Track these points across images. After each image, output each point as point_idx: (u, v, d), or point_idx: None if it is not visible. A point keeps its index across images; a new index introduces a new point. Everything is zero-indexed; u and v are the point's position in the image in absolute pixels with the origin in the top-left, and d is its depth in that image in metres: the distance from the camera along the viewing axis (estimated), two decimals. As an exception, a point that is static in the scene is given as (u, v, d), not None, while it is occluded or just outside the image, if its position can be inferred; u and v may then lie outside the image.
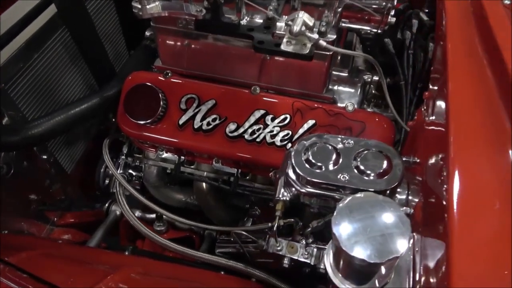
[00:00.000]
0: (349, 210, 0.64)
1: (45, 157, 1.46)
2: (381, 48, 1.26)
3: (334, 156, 0.85)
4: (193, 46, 1.20)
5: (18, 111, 1.31)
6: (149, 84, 1.17)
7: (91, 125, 1.65)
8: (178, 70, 1.27)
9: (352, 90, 1.26)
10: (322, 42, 0.95)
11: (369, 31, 1.11)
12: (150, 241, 1.30)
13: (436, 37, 0.99)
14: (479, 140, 0.61)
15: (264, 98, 1.16)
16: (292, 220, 0.95)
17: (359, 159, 0.84)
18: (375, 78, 1.27)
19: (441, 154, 0.66)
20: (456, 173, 0.57)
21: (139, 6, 1.03)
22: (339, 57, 1.27)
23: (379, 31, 1.06)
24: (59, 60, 1.45)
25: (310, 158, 0.86)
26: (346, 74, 1.28)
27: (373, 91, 1.32)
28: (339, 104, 1.22)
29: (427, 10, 1.33)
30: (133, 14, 1.06)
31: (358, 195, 0.67)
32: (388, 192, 0.81)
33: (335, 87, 1.26)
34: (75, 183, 1.63)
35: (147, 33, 1.47)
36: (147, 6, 1.04)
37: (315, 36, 0.94)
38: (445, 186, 0.58)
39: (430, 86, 0.84)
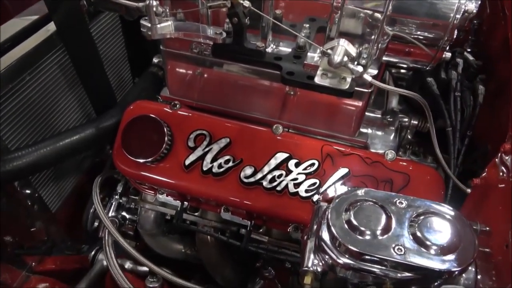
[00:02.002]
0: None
1: (28, 192, 1.27)
2: (421, 88, 1.11)
3: (384, 220, 0.66)
4: (207, 75, 1.04)
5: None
6: (153, 116, 1.00)
7: (84, 157, 1.46)
8: (188, 101, 1.11)
9: (387, 135, 1.10)
10: (367, 77, 0.79)
11: (412, 67, 0.96)
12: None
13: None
14: None
15: (288, 139, 0.99)
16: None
17: (417, 226, 0.65)
18: (413, 121, 1.10)
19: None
20: None
21: (149, 25, 0.87)
22: (372, 96, 1.11)
23: (428, 68, 0.90)
24: (53, 83, 1.29)
25: (353, 219, 0.67)
26: (380, 116, 1.12)
27: (409, 137, 1.14)
28: (371, 150, 1.04)
29: (469, 50, 1.19)
30: (141, 38, 0.90)
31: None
32: (456, 272, 0.62)
33: (367, 131, 1.09)
34: (60, 223, 1.43)
35: (155, 60, 1.32)
36: (158, 26, 0.88)
37: (359, 68, 0.77)
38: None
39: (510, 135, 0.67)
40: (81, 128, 1.14)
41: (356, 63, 0.86)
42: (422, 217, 0.67)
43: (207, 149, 1.00)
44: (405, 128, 1.12)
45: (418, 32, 0.84)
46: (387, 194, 0.70)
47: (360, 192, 0.71)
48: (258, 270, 1.15)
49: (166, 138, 0.98)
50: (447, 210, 0.67)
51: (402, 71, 1.28)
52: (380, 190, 0.72)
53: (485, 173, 0.72)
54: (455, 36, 0.82)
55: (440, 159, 0.92)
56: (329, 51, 0.78)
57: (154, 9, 0.85)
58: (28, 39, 1.22)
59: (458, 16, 0.79)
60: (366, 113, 1.11)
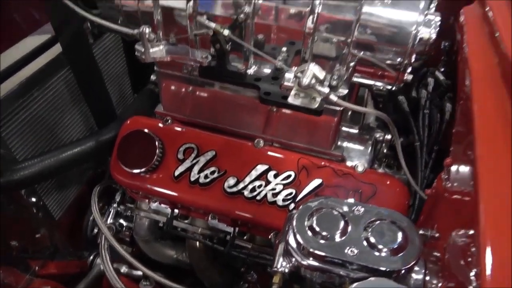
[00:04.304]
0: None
1: (34, 200, 1.37)
2: (394, 105, 1.19)
3: (342, 225, 0.75)
4: (196, 93, 1.14)
5: (9, 150, 1.25)
6: (146, 130, 1.10)
7: (86, 168, 1.57)
8: (180, 117, 1.21)
9: (362, 148, 1.18)
10: (333, 97, 0.88)
11: (382, 88, 1.05)
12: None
13: (457, 97, 0.91)
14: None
15: (268, 153, 1.08)
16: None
17: (370, 231, 0.73)
18: (387, 136, 1.19)
19: (468, 229, 0.56)
20: (489, 252, 0.47)
21: (142, 50, 0.98)
22: (349, 113, 1.20)
23: (393, 88, 0.99)
24: (59, 99, 1.41)
25: (315, 225, 0.75)
26: (357, 131, 1.21)
27: (385, 151, 1.23)
28: (348, 163, 1.13)
29: (443, 69, 1.28)
30: (139, 57, 1.01)
31: (370, 280, 0.56)
32: (403, 271, 0.70)
33: (345, 144, 1.17)
34: (63, 229, 1.53)
35: (153, 77, 1.43)
36: (151, 50, 0.99)
37: (326, 90, 0.87)
38: (474, 270, 0.48)
39: (452, 150, 0.75)
40: (83, 141, 1.25)
41: (328, 83, 0.96)
42: (375, 223, 0.75)
43: (194, 161, 1.09)
44: (380, 143, 1.20)
45: (382, 56, 0.93)
46: (347, 203, 0.79)
47: (323, 201, 0.79)
48: (242, 274, 1.23)
49: (157, 151, 1.08)
50: (398, 217, 0.75)
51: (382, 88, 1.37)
52: (342, 199, 0.81)
53: (435, 184, 0.80)
54: (413, 60, 0.91)
55: (405, 171, 1.00)
56: (299, 74, 0.87)
57: (147, 36, 0.96)
58: (38, 58, 1.35)
59: (415, 42, 0.88)
60: (344, 128, 1.21)
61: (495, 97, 0.66)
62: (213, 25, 0.89)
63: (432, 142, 1.12)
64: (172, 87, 1.17)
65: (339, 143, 1.17)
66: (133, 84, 1.74)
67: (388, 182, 1.01)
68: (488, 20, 0.81)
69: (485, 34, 0.80)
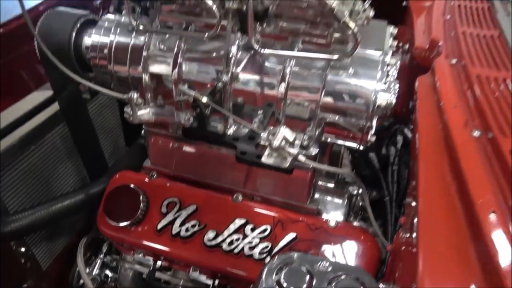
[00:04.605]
0: None
1: (22, 250, 1.41)
2: (366, 161, 1.27)
3: (307, 280, 0.80)
4: (181, 150, 1.23)
5: (1, 202, 1.31)
6: (131, 185, 1.17)
7: (77, 219, 1.62)
8: (166, 171, 1.28)
9: (338, 202, 1.25)
10: (301, 157, 0.96)
11: (348, 147, 1.13)
12: None
13: (411, 156, 1.00)
14: (447, 272, 0.58)
15: (246, 207, 1.14)
16: None
17: (333, 286, 0.78)
18: (361, 191, 1.26)
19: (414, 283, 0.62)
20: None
21: (130, 112, 1.08)
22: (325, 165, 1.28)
23: (360, 147, 1.08)
24: (55, 152, 1.50)
25: (281, 280, 0.80)
26: (333, 185, 1.28)
27: (360, 204, 1.29)
28: (324, 215, 1.19)
29: (412, 127, 1.37)
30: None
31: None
32: (363, 325, 0.74)
33: (321, 198, 1.24)
34: (50, 280, 1.55)
35: (143, 132, 1.52)
36: (138, 113, 1.08)
37: (294, 151, 0.95)
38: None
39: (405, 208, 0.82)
40: (73, 194, 1.31)
41: (299, 143, 1.05)
42: (339, 278, 0.80)
43: (177, 214, 1.15)
44: (355, 196, 1.27)
45: (347, 119, 1.02)
46: (314, 258, 0.84)
47: (292, 255, 0.85)
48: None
49: (141, 205, 1.15)
50: (361, 273, 0.80)
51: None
52: (310, 255, 0.86)
53: (394, 239, 0.86)
54: (374, 124, 1.00)
55: (374, 224, 1.06)
56: (270, 137, 0.96)
57: (135, 101, 1.05)
58: (38, 115, 1.45)
59: (375, 108, 0.97)
60: (320, 183, 1.28)
61: (437, 162, 0.74)
62: (193, 93, 0.99)
63: (401, 197, 1.19)
64: (159, 144, 1.25)
65: (315, 196, 1.23)
66: (126, 137, 1.84)
67: (359, 236, 1.07)
68: (436, 89, 0.91)
69: (434, 102, 0.89)
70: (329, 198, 1.25)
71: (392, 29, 1.13)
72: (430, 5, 1.49)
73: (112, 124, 1.77)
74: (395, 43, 1.09)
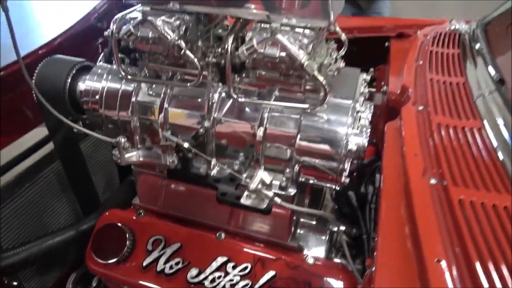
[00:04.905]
0: None
1: (14, 284, 1.45)
2: (346, 199, 1.32)
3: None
4: (167, 188, 1.28)
5: (-5, 239, 1.36)
6: (118, 224, 1.22)
7: (68, 253, 1.66)
8: (153, 208, 1.33)
9: (320, 238, 1.29)
10: (277, 199, 1.02)
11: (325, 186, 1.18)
12: None
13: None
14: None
15: (228, 245, 1.18)
16: None
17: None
18: (341, 228, 1.30)
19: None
20: None
21: (118, 155, 1.14)
22: (306, 205, 1.33)
23: (336, 187, 1.13)
24: (48, 188, 1.56)
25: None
26: (314, 222, 1.32)
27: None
28: (305, 251, 1.23)
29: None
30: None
31: None
32: None
33: (303, 234, 1.28)
34: (40, 314, 1.58)
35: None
36: (126, 155, 1.15)
37: (270, 194, 1.01)
38: None
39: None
40: (63, 230, 1.36)
41: (278, 184, 1.11)
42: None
43: (161, 252, 1.19)
44: (335, 233, 1.31)
45: (321, 162, 1.08)
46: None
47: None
48: None
49: (127, 243, 1.19)
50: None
51: None
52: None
53: (363, 280, 0.90)
54: (348, 166, 1.05)
55: (350, 263, 1.10)
56: (247, 180, 1.02)
57: (122, 144, 1.12)
58: (34, 155, 1.52)
59: (347, 151, 1.03)
60: (302, 220, 1.32)
61: (396, 206, 0.79)
62: (175, 139, 1.06)
63: (378, 235, 1.22)
64: (146, 183, 1.31)
65: (297, 233, 1.28)
66: (119, 172, 1.90)
67: (338, 274, 1.10)
68: (401, 135, 0.97)
69: (399, 147, 0.95)
70: (310, 234, 1.29)
71: (365, 76, 1.21)
72: (407, 48, 1.58)
73: (106, 159, 1.83)
74: (366, 90, 1.16)
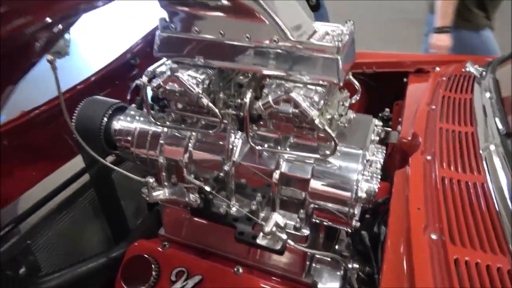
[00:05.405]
0: None
1: None
2: (359, 238, 1.37)
3: None
4: (190, 222, 1.38)
5: (36, 263, 1.49)
6: (145, 255, 1.32)
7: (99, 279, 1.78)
8: (177, 240, 1.44)
9: (334, 274, 1.34)
10: (290, 242, 1.09)
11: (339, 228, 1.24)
12: None
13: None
14: None
15: (245, 280, 1.26)
16: None
17: None
18: (355, 265, 1.35)
19: None
20: None
21: (147, 193, 1.25)
22: (321, 242, 1.39)
23: (348, 230, 1.19)
24: (84, 215, 1.69)
25: None
26: (329, 259, 1.38)
27: (356, 276, 1.38)
28: (320, 286, 1.29)
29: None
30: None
31: None
32: None
33: (317, 270, 1.34)
34: None
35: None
36: (154, 194, 1.26)
37: (284, 236, 1.08)
38: None
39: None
40: (95, 258, 1.49)
41: (293, 225, 1.18)
42: None
43: (184, 283, 1.29)
44: (350, 270, 1.36)
45: (332, 205, 1.14)
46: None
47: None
48: None
49: (153, 273, 1.29)
50: None
51: None
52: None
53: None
54: (358, 211, 1.11)
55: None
56: (262, 222, 1.10)
57: (150, 184, 1.23)
58: (73, 184, 1.66)
59: (357, 196, 1.10)
60: (318, 256, 1.38)
61: (399, 257, 0.85)
62: (197, 182, 1.16)
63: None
64: (172, 216, 1.41)
65: (312, 268, 1.34)
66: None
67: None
68: (407, 185, 1.03)
69: (405, 197, 1.01)
70: (325, 270, 1.35)
71: (377, 122, 1.27)
72: (423, 86, 1.63)
73: (135, 187, 1.96)
74: (377, 138, 1.23)
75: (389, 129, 1.45)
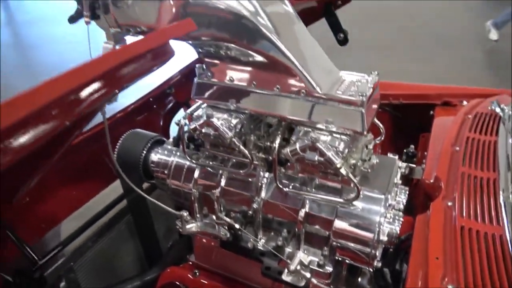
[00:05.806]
0: None
1: None
2: (382, 275, 1.42)
3: None
4: (220, 252, 1.47)
5: (76, 281, 1.62)
6: (177, 282, 1.42)
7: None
8: (207, 267, 1.52)
9: (357, 308, 1.39)
10: (314, 280, 1.16)
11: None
12: None
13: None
14: None
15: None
16: None
17: None
18: (377, 301, 1.39)
19: None
20: None
21: (181, 225, 1.35)
22: (343, 276, 1.44)
23: (370, 269, 1.24)
24: (120, 238, 1.81)
25: None
26: (353, 292, 1.43)
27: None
28: (343, 320, 1.34)
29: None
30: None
31: None
32: None
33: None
34: None
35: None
36: (187, 226, 1.36)
37: (308, 274, 1.15)
38: None
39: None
40: (130, 280, 1.60)
41: (317, 262, 1.24)
42: None
43: (212, 311, 1.37)
44: (372, 305, 1.40)
45: (356, 246, 1.20)
46: None
47: None
48: None
49: (185, 300, 1.39)
50: None
51: None
52: None
53: None
54: (380, 252, 1.17)
55: None
56: (288, 260, 1.17)
57: (184, 218, 1.33)
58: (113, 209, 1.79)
59: (379, 238, 1.15)
60: (341, 288, 1.44)
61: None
62: (228, 220, 1.25)
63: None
64: (202, 246, 1.50)
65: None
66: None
67: None
68: (427, 232, 1.07)
69: (425, 244, 1.05)
70: (348, 304, 1.40)
71: (400, 164, 1.32)
72: (449, 120, 1.65)
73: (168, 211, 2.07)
74: (400, 181, 1.28)
75: (414, 165, 1.50)
